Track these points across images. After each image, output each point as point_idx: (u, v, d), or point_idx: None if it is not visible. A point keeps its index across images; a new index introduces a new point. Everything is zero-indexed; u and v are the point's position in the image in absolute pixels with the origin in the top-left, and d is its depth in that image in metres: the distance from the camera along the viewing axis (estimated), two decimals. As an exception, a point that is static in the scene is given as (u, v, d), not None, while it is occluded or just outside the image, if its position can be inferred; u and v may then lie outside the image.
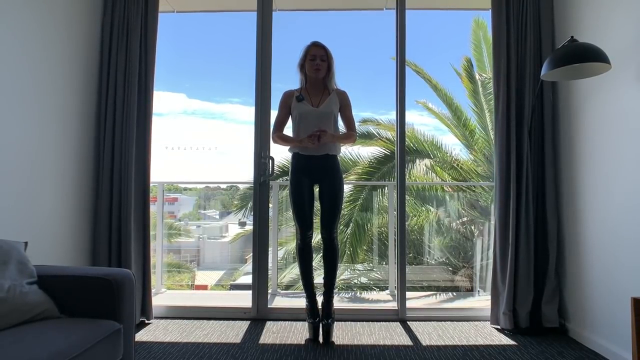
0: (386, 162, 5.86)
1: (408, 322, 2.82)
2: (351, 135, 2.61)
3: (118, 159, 2.74)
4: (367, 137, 6.14)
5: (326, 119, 2.50)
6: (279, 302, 3.34)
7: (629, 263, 2.12)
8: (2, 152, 2.03)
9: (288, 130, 2.64)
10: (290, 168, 2.60)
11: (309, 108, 2.51)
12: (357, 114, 7.21)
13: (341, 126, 2.68)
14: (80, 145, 2.67)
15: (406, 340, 2.50)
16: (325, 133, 2.38)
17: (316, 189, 2.61)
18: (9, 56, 2.08)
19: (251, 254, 3.00)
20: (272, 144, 2.91)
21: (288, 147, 2.60)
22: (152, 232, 2.90)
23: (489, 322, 2.78)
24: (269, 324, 2.79)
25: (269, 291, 3.02)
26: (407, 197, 3.11)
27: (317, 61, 2.50)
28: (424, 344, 2.45)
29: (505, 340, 2.52)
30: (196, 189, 7.72)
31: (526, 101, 2.71)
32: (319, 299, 2.58)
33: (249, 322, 2.82)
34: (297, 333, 2.61)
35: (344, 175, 2.69)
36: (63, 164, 2.51)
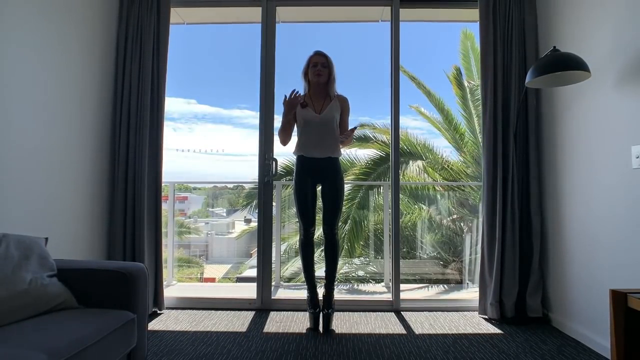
0: (382, 163, 5.85)
1: (402, 312, 2.82)
2: (350, 140, 2.65)
3: (132, 161, 2.74)
4: (364, 140, 6.14)
5: (328, 124, 2.51)
6: (281, 293, 3.34)
7: (607, 257, 2.12)
8: (25, 154, 2.04)
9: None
10: (294, 169, 2.60)
11: (312, 114, 2.52)
12: (355, 118, 7.20)
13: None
14: (97, 148, 2.67)
15: (400, 329, 2.50)
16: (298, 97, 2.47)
17: (318, 188, 2.61)
18: (33, 65, 2.09)
19: (256, 248, 3.01)
20: (275, 146, 2.93)
21: (293, 150, 2.60)
22: (163, 230, 2.90)
23: (477, 312, 2.78)
24: (272, 314, 2.80)
25: (273, 283, 3.02)
26: (401, 196, 3.12)
27: (318, 67, 2.51)
28: (416, 332, 2.45)
29: (492, 329, 2.53)
30: (205, 188, 7.71)
31: (512, 107, 2.71)
32: (320, 291, 2.59)
33: (254, 312, 2.82)
34: (299, 322, 2.61)
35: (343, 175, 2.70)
36: (81, 165, 2.51)
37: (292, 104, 2.48)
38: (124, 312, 1.63)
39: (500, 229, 2.65)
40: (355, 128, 2.59)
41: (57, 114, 2.29)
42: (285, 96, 2.48)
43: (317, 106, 2.56)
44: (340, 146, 2.61)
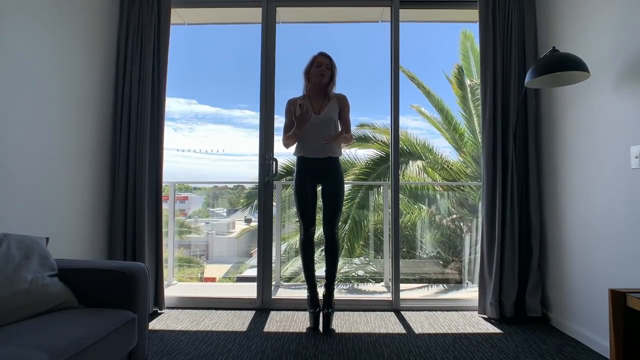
0: (381, 163, 5.85)
1: (402, 312, 2.82)
2: (350, 138, 2.60)
3: (133, 161, 2.74)
4: (364, 140, 6.13)
5: (327, 124, 2.51)
6: (282, 293, 3.34)
7: (606, 257, 2.12)
8: (26, 154, 2.04)
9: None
10: (295, 169, 2.61)
11: (311, 115, 2.52)
12: (356, 118, 7.19)
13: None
14: (98, 148, 2.67)
15: (400, 329, 2.50)
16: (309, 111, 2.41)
17: (319, 188, 2.61)
18: (35, 66, 2.09)
19: (256, 248, 3.01)
20: (275, 146, 2.93)
21: (294, 151, 2.60)
22: (164, 230, 2.89)
23: (477, 312, 2.78)
24: (272, 313, 2.80)
25: (273, 283, 3.01)
26: (400, 195, 3.12)
27: (322, 67, 2.51)
28: (416, 332, 2.45)
29: (491, 328, 2.53)
30: (205, 188, 7.72)
31: (511, 107, 2.71)
32: (320, 290, 2.59)
33: (254, 312, 2.82)
34: (299, 322, 2.61)
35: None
36: (82, 165, 2.51)
37: (304, 119, 2.42)
38: (125, 312, 1.63)
39: (499, 229, 2.65)
40: (341, 133, 2.48)
41: (58, 114, 2.28)
42: (293, 110, 2.43)
43: (315, 107, 2.56)
44: (342, 145, 2.61)
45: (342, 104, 2.60)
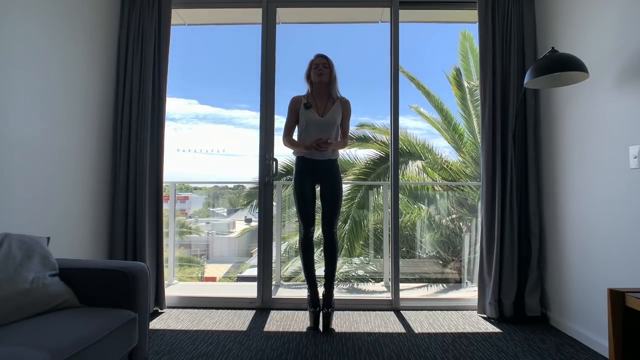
0: (381, 163, 5.85)
1: (401, 312, 2.82)
2: (345, 143, 2.67)
3: (133, 161, 2.74)
4: (364, 140, 6.13)
5: (330, 127, 2.54)
6: (282, 292, 3.34)
7: (605, 256, 2.12)
8: (27, 154, 2.04)
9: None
10: (294, 169, 2.61)
11: (315, 116, 2.53)
12: (355, 118, 7.15)
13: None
14: (99, 148, 2.67)
15: (400, 328, 2.50)
16: (329, 145, 2.45)
17: (317, 189, 2.62)
18: (37, 66, 2.09)
19: (256, 248, 3.01)
20: (275, 146, 2.93)
21: (293, 150, 2.61)
22: (164, 230, 2.89)
23: (476, 312, 2.78)
24: (273, 313, 2.80)
25: (273, 283, 3.02)
26: (400, 195, 3.12)
27: (320, 67, 2.53)
28: (416, 331, 2.45)
29: (491, 328, 2.53)
30: (206, 188, 7.69)
31: (510, 107, 2.71)
32: (320, 290, 2.59)
33: (254, 312, 2.82)
34: (299, 321, 2.61)
35: (342, 176, 2.72)
36: (83, 165, 2.51)
37: (318, 150, 2.46)
38: (126, 311, 1.63)
39: (499, 229, 2.65)
40: (330, 143, 2.47)
41: (59, 114, 2.29)
42: (314, 144, 2.44)
43: (320, 108, 2.57)
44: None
45: (345, 110, 2.61)
